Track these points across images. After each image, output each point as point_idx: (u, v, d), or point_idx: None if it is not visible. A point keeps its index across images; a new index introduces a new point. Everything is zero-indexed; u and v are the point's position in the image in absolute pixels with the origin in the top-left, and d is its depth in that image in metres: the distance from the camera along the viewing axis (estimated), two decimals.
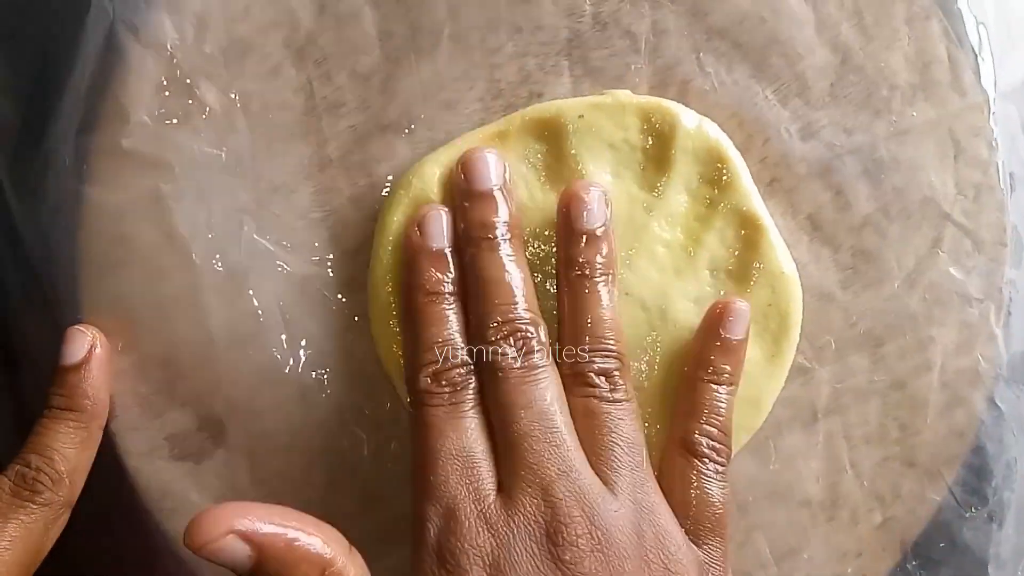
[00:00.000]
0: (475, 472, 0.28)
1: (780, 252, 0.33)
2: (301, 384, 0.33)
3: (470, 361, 0.29)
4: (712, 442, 0.30)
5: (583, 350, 0.30)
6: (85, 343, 0.32)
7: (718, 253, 0.32)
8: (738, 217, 0.32)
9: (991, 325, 0.34)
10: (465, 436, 0.29)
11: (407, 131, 0.33)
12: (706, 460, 0.30)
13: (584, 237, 0.30)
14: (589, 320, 0.30)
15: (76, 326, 0.32)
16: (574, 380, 0.30)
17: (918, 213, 0.34)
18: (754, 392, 0.32)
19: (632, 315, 0.32)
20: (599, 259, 0.30)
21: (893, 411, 0.34)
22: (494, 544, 0.27)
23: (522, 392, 0.29)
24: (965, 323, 0.34)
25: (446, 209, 0.31)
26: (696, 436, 0.30)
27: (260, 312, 0.32)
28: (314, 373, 0.33)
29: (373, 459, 0.33)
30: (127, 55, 0.32)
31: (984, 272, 0.34)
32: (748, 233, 0.32)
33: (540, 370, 0.29)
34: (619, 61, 0.33)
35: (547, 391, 0.29)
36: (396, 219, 0.32)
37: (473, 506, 0.28)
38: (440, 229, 0.30)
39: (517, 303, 0.29)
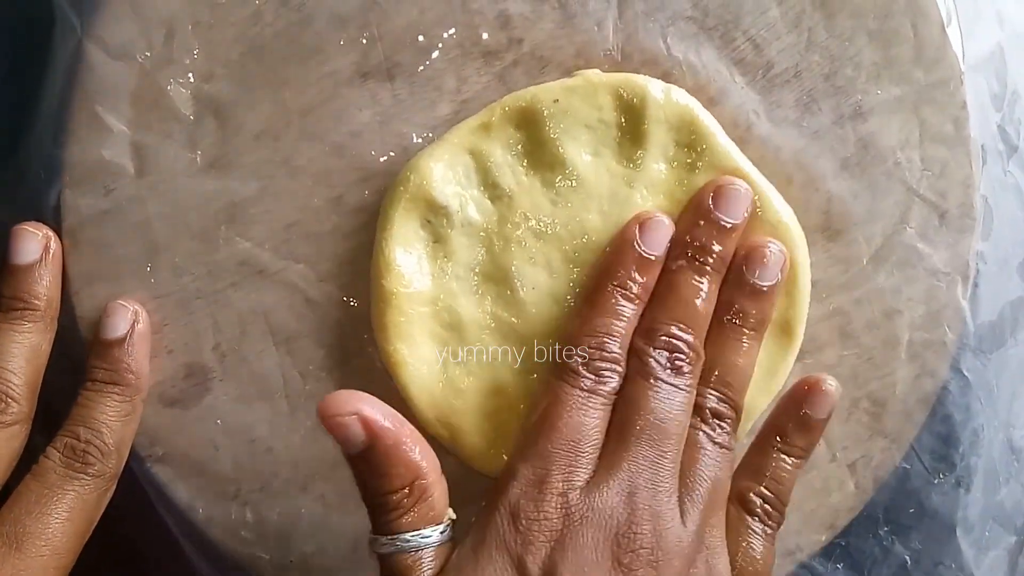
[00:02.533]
0: (578, 459, 0.29)
1: (774, 200, 0.33)
2: (289, 331, 0.34)
3: (623, 359, 0.31)
4: (766, 505, 0.32)
5: (708, 386, 0.31)
6: (127, 317, 0.33)
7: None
8: (720, 174, 0.33)
9: (957, 297, 0.34)
10: (585, 424, 0.30)
11: (388, 78, 0.34)
12: (756, 519, 0.31)
13: (728, 232, 0.32)
14: (724, 363, 0.31)
15: (118, 300, 0.33)
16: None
17: (884, 190, 0.34)
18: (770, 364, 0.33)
19: None
20: (709, 272, 0.32)
21: (863, 384, 0.35)
22: (565, 524, 0.28)
23: (654, 400, 0.30)
24: (932, 296, 0.35)
25: (671, 221, 0.32)
26: (752, 496, 0.31)
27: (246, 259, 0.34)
28: (302, 319, 0.34)
29: None
30: (98, 68, 0.33)
31: (950, 245, 0.34)
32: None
33: (679, 391, 0.30)
34: (598, 5, 0.34)
35: (678, 411, 0.30)
36: (397, 214, 0.33)
37: (561, 484, 0.29)
38: (662, 239, 0.32)
39: (692, 329, 0.31)
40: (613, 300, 0.31)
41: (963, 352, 0.35)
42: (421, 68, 0.34)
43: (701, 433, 0.31)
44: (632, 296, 0.31)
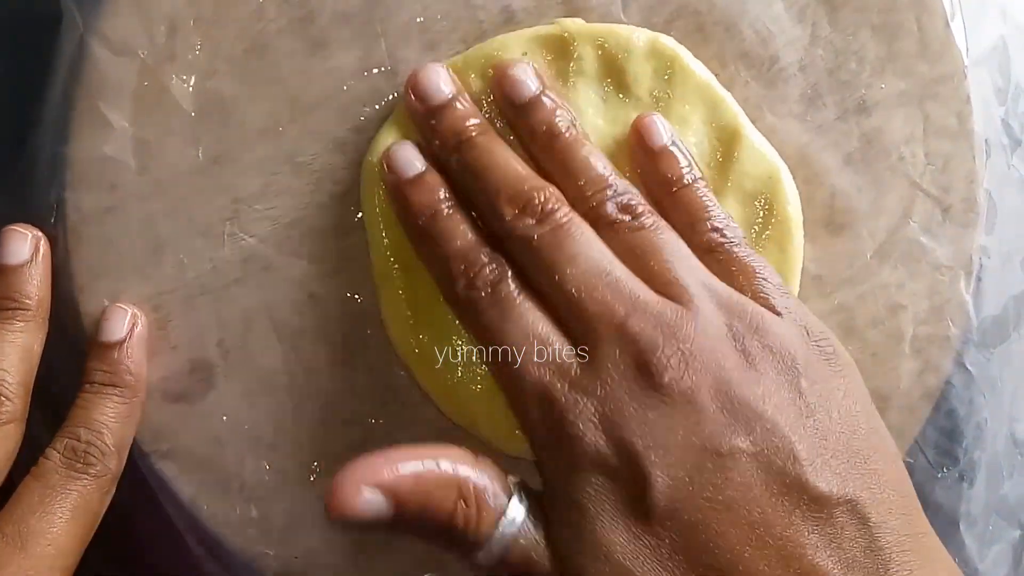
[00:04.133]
0: (550, 349, 0.28)
1: (758, 143, 0.33)
2: (293, 327, 0.34)
3: (497, 255, 0.29)
4: (722, 229, 0.30)
5: (591, 199, 0.30)
6: (126, 320, 0.33)
7: (695, 152, 0.33)
8: (706, 113, 0.33)
9: (961, 291, 0.34)
10: (524, 321, 0.28)
11: (392, 74, 0.33)
12: (726, 244, 0.30)
13: (530, 105, 0.31)
14: (578, 170, 0.30)
15: (116, 304, 0.33)
16: (599, 227, 0.29)
17: (888, 184, 0.34)
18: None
19: None
20: (556, 117, 0.31)
21: (867, 379, 0.35)
22: (595, 403, 0.27)
23: (561, 250, 0.28)
24: (935, 291, 0.34)
25: (408, 141, 0.31)
26: (706, 236, 0.30)
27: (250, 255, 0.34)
28: (306, 315, 0.34)
29: (364, 399, 0.34)
30: (100, 63, 0.33)
31: (954, 240, 0.34)
32: (718, 124, 0.33)
33: (567, 224, 0.29)
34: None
35: (584, 240, 0.29)
36: (375, 195, 0.32)
37: (561, 382, 0.27)
38: (408, 156, 0.31)
39: (517, 175, 0.30)
40: (439, 226, 0.30)
41: (966, 347, 0.35)
42: (426, 63, 0.33)
43: (624, 234, 0.29)
44: (446, 205, 0.30)
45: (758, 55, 0.34)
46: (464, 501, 0.27)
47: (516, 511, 0.27)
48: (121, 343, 0.33)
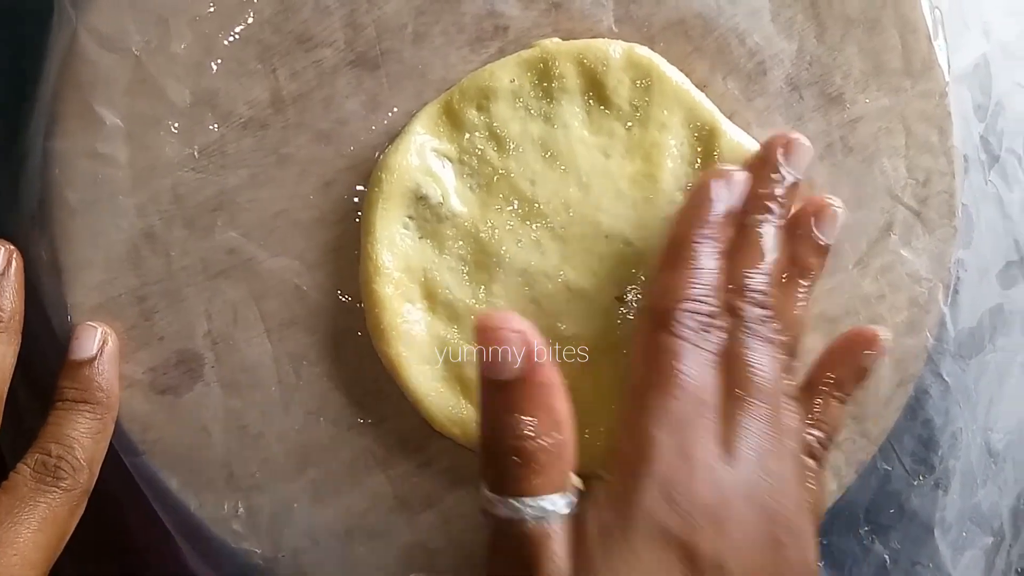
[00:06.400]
0: (709, 413, 0.28)
1: (744, 142, 0.34)
2: (280, 318, 0.34)
3: (720, 314, 0.29)
4: (820, 446, 0.32)
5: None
6: (96, 338, 0.33)
7: (676, 154, 0.33)
8: (690, 127, 0.33)
9: (939, 303, 0.35)
10: (709, 382, 0.28)
11: (375, 65, 0.34)
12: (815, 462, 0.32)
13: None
14: (787, 318, 0.31)
15: (87, 322, 0.33)
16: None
17: (871, 198, 0.35)
18: None
19: (619, 253, 0.34)
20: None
21: None
22: (718, 501, 0.26)
23: (762, 356, 0.29)
24: (915, 302, 0.35)
25: (746, 176, 0.31)
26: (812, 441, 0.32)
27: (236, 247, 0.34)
28: (292, 306, 0.34)
29: (352, 391, 0.34)
30: (93, 60, 0.33)
31: (933, 253, 0.35)
32: (696, 124, 0.34)
33: (773, 346, 0.30)
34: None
35: (778, 366, 0.30)
36: (377, 217, 0.33)
37: (705, 454, 0.27)
38: (742, 194, 0.31)
39: (769, 281, 0.30)
40: (704, 253, 0.30)
41: (943, 357, 0.35)
42: (408, 55, 0.34)
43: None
44: (721, 251, 0.30)
45: (746, 69, 0.35)
46: (548, 446, 0.26)
47: (562, 507, 0.27)
48: (92, 360, 0.33)
